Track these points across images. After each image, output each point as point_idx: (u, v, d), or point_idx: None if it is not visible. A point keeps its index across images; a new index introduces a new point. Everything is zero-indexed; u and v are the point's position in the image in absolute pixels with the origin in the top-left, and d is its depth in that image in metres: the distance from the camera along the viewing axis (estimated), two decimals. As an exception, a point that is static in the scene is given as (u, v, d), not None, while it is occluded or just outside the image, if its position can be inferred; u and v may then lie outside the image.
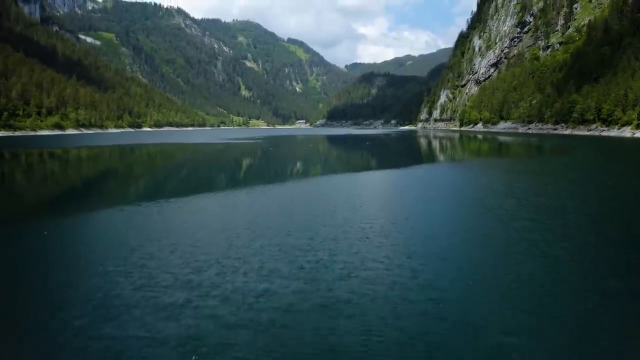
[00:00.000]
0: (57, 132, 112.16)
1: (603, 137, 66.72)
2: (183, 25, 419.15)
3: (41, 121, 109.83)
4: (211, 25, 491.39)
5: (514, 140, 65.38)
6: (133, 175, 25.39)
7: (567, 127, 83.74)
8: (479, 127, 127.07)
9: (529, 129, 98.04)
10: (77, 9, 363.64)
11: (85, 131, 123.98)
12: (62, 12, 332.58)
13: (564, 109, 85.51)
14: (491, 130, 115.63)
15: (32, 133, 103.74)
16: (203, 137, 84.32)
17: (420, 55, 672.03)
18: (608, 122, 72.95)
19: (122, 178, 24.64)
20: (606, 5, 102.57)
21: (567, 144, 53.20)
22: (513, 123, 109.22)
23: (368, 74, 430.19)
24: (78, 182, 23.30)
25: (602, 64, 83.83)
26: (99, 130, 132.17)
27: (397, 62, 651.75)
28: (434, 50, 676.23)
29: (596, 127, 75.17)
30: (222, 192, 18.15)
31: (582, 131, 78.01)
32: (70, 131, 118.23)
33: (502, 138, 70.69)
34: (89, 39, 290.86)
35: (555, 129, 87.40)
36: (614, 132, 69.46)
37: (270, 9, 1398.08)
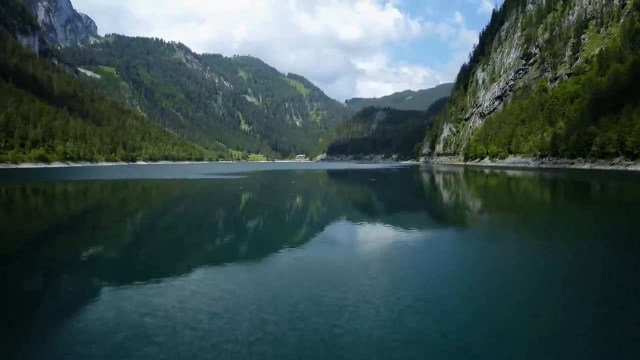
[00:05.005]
0: (41, 165, 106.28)
1: (630, 173, 60.20)
2: (184, 60, 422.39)
3: (24, 153, 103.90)
4: (212, 60, 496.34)
5: (532, 177, 58.62)
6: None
7: (585, 161, 77.44)
8: (486, 161, 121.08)
9: (542, 163, 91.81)
10: (79, 43, 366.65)
11: (72, 164, 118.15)
12: (63, 46, 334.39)
13: (580, 142, 79.49)
14: (500, 164, 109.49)
15: (13, 166, 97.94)
16: (187, 172, 76.81)
17: (420, 91, 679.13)
18: (634, 155, 66.76)
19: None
20: (617, 35, 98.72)
21: (602, 181, 46.60)
22: (523, 157, 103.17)
23: (368, 109, 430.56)
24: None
25: (619, 95, 78.48)
26: (87, 164, 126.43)
27: (397, 97, 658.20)
28: (433, 86, 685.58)
29: (620, 161, 68.89)
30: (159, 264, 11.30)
31: (603, 165, 71.66)
32: (56, 164, 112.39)
33: (517, 175, 63.91)
34: (89, 73, 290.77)
35: (572, 163, 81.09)
36: (642, 167, 63.14)
37: (270, 45, 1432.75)
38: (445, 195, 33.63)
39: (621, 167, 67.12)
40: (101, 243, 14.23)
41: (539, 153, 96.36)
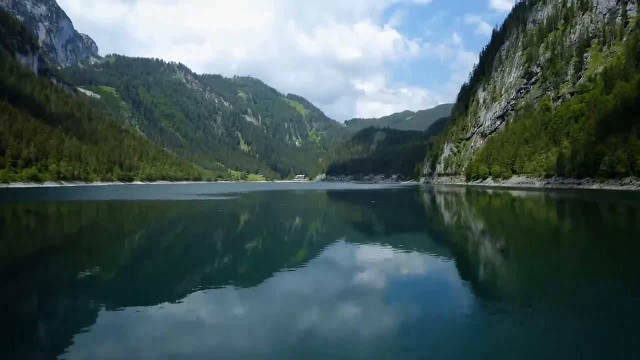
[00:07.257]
0: (33, 184, 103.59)
1: (644, 193, 57.47)
2: (184, 81, 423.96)
3: (16, 172, 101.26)
4: (212, 81, 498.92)
5: (540, 198, 55.87)
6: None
7: (594, 182, 74.76)
8: (489, 182, 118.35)
9: (549, 183, 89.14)
10: (79, 64, 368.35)
11: (66, 184, 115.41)
12: (64, 66, 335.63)
13: (588, 162, 76.94)
14: (503, 185, 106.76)
15: (4, 186, 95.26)
16: (180, 193, 72.91)
17: (420, 111, 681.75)
18: (645, 175, 64.14)
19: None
20: (621, 53, 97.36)
21: (617, 202, 43.83)
22: (528, 177, 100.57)
23: (368, 129, 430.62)
24: None
25: (627, 113, 76.31)
26: (82, 184, 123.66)
27: (396, 117, 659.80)
28: (432, 107, 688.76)
29: (631, 181, 66.21)
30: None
31: (613, 186, 68.96)
32: (49, 184, 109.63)
33: (524, 196, 61.18)
34: (88, 93, 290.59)
35: (579, 184, 78.41)
36: (655, 187, 60.37)
37: (269, 65, 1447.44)
38: (454, 220, 30.79)
39: (633, 188, 64.37)
40: (85, 267, 11.84)
41: (545, 173, 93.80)
